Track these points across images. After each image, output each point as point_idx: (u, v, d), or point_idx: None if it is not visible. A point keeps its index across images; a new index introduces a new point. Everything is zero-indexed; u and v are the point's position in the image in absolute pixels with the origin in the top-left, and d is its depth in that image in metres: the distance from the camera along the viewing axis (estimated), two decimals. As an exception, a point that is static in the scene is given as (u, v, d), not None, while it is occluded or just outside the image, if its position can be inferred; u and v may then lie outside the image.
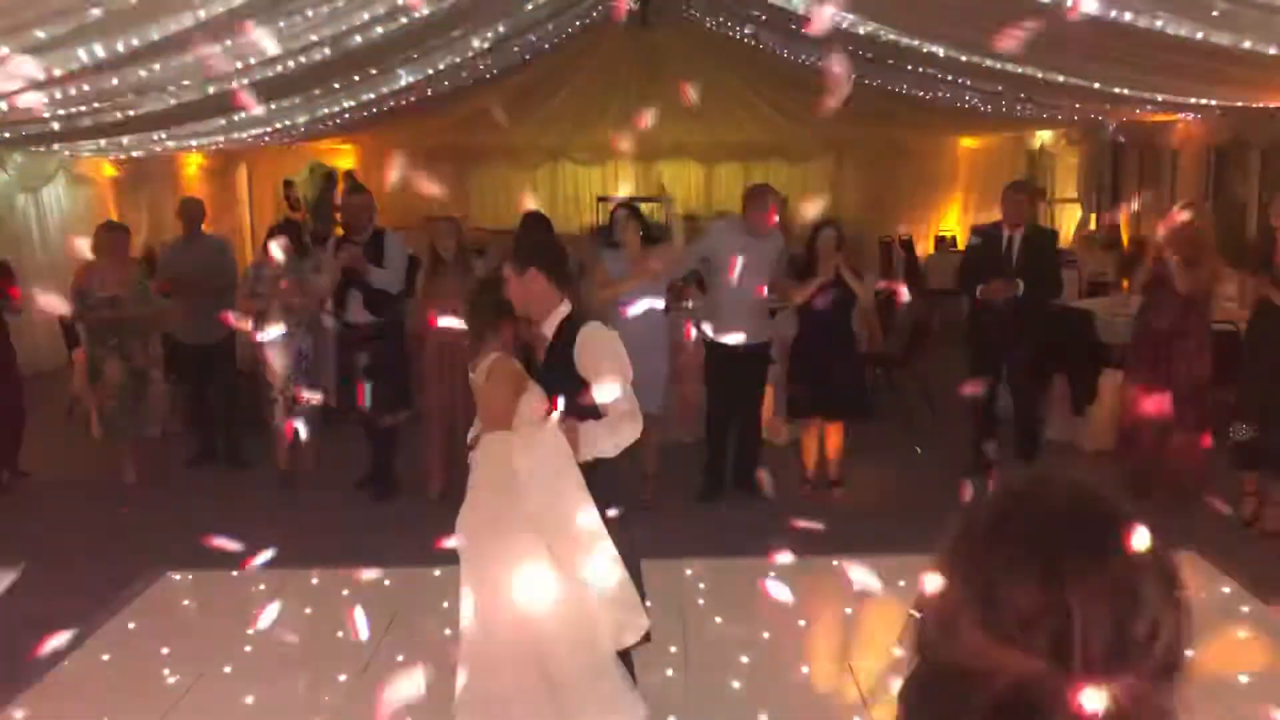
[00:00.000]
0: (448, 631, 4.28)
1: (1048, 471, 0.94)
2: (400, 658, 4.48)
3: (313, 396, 6.70)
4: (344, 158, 16.01)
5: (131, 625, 4.98)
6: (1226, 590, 5.10)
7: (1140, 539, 0.85)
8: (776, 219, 6.40)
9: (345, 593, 5.14)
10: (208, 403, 7.62)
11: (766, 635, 4.71)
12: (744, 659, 4.50)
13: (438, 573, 5.11)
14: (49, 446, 7.63)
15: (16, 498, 6.92)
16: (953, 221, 15.78)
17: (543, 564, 3.32)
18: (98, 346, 7.02)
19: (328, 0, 6.09)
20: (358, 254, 6.52)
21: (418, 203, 13.96)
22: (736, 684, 4.33)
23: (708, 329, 6.50)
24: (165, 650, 4.65)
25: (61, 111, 7.45)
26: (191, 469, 7.37)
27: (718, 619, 4.93)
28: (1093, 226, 13.01)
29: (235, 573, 5.28)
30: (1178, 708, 0.87)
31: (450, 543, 3.46)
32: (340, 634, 4.71)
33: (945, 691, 0.87)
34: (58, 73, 6.00)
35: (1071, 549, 0.84)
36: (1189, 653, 0.88)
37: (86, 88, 6.65)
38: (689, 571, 5.42)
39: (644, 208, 7.07)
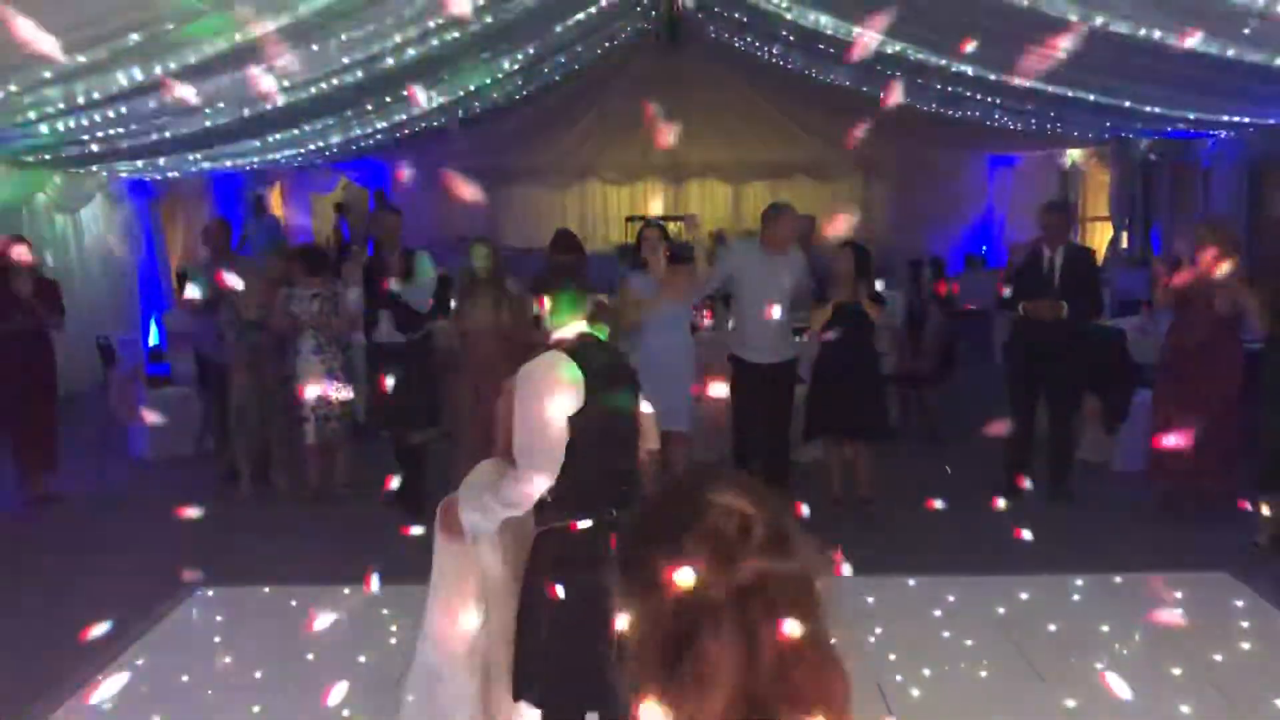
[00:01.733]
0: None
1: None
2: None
3: (341, 393, 6.79)
4: (375, 177, 16.13)
5: (164, 642, 5.03)
6: (1258, 610, 5.03)
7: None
8: (795, 238, 6.43)
9: (375, 608, 5.17)
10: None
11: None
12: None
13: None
14: (85, 465, 7.72)
15: (52, 515, 7.00)
16: (982, 240, 15.69)
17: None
18: (243, 355, 7.08)
19: (360, 24, 6.18)
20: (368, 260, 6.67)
21: (451, 222, 14.06)
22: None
23: (732, 347, 6.51)
24: (197, 666, 4.69)
25: (100, 134, 7.60)
26: (223, 485, 7.43)
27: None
28: (1124, 245, 12.91)
29: (266, 589, 5.32)
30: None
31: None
32: (370, 650, 4.74)
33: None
34: (96, 96, 6.13)
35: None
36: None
37: (125, 110, 6.78)
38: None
39: (670, 226, 7.10)
